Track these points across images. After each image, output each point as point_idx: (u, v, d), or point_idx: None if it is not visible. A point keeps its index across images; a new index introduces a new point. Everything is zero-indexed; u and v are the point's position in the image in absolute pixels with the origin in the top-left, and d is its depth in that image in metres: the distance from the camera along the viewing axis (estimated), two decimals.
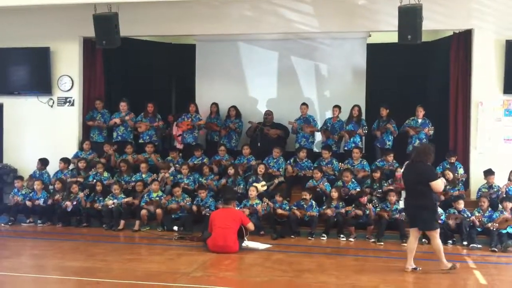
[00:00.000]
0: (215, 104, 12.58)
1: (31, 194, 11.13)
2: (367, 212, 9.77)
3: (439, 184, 7.34)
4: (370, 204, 9.76)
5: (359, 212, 9.77)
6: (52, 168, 11.74)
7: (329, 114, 12.31)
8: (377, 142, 11.49)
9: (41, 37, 11.98)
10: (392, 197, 9.84)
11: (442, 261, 7.43)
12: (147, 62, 13.35)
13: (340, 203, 10.07)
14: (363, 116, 11.83)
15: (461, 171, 10.55)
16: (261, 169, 10.88)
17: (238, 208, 9.83)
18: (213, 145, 12.30)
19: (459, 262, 7.78)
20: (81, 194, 10.72)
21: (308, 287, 6.81)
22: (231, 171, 10.96)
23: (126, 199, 10.57)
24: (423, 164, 7.38)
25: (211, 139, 12.61)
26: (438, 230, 7.47)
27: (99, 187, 10.91)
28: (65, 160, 11.66)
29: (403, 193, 7.64)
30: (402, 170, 7.72)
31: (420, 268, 7.48)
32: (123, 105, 12.01)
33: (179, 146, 12.37)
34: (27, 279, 7.19)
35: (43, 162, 11.67)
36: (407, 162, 7.70)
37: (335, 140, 11.75)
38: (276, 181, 10.80)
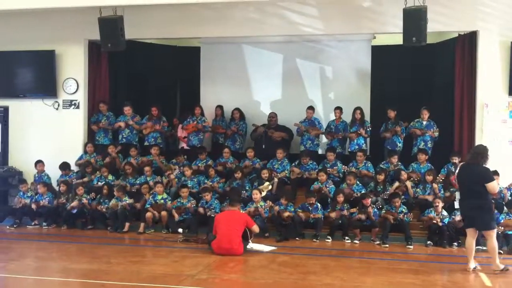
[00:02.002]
0: (219, 107, 12.60)
1: (36, 196, 11.17)
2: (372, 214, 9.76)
3: (494, 186, 7.51)
4: (370, 208, 9.74)
5: (362, 216, 9.75)
6: (57, 171, 11.74)
7: (333, 116, 12.30)
8: (387, 144, 11.46)
9: (46, 40, 12.01)
10: (397, 201, 9.84)
11: (495, 262, 7.55)
12: (152, 64, 13.38)
13: (345, 205, 10.06)
14: (368, 118, 11.82)
15: None
16: (265, 174, 10.90)
17: (243, 211, 9.83)
18: (218, 148, 12.31)
19: (464, 264, 7.76)
20: (84, 200, 10.73)
21: None
22: (238, 175, 10.96)
23: (129, 201, 10.58)
24: (479, 165, 7.51)
25: (216, 141, 12.62)
26: (495, 230, 7.67)
27: (105, 190, 10.93)
28: (63, 167, 11.62)
29: (457, 194, 7.76)
30: (456, 171, 7.83)
31: (479, 267, 7.68)
32: (127, 109, 12.02)
33: (185, 146, 12.38)
34: (32, 281, 7.22)
35: (40, 164, 11.70)
36: (462, 163, 7.90)
37: (339, 139, 11.72)
38: (276, 179, 10.82)
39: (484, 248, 9.04)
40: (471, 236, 7.66)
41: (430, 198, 10.10)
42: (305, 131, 11.75)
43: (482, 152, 7.61)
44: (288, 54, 12.98)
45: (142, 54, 13.09)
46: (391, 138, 11.35)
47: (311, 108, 11.94)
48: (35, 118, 12.31)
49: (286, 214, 9.90)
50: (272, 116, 12.27)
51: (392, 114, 11.35)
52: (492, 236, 7.52)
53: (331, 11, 11.30)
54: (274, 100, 13.06)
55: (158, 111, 12.08)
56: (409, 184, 10.38)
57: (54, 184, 11.70)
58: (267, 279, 7.19)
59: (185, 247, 9.22)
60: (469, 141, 11.00)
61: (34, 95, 12.29)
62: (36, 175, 11.74)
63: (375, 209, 9.84)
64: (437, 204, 9.61)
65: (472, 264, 7.66)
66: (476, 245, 9.06)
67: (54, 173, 11.78)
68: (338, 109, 11.79)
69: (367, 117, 11.85)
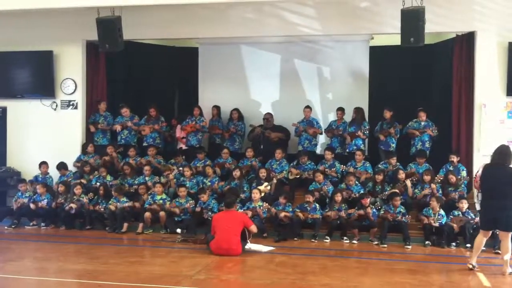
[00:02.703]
0: (216, 107, 12.60)
1: (34, 197, 11.16)
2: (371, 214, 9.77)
3: None
4: (369, 208, 9.75)
5: (361, 212, 9.75)
6: (55, 171, 11.74)
7: (331, 117, 12.34)
8: (381, 145, 11.47)
9: (44, 40, 12.01)
10: (397, 199, 9.85)
11: (505, 264, 7.55)
12: (150, 65, 13.38)
13: (343, 205, 10.06)
14: (366, 119, 11.82)
15: (463, 173, 10.54)
16: (262, 173, 10.89)
17: (241, 210, 9.83)
18: (215, 148, 12.32)
19: (462, 264, 7.78)
20: (85, 199, 10.73)
21: None
22: (237, 173, 10.97)
23: (128, 204, 10.58)
24: (506, 166, 7.48)
25: (213, 141, 12.62)
26: None
27: (102, 191, 10.92)
28: (60, 167, 11.63)
29: (479, 195, 7.74)
30: (479, 172, 7.78)
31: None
32: (124, 111, 12.02)
33: (183, 146, 12.38)
34: (30, 281, 7.22)
35: (44, 165, 11.70)
36: (486, 164, 7.79)
37: (339, 140, 11.71)
38: (275, 180, 10.82)
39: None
40: (484, 236, 7.65)
41: (427, 191, 10.14)
42: (303, 131, 11.76)
43: (508, 152, 7.56)
44: (286, 54, 12.99)
45: (140, 54, 13.07)
46: (385, 139, 11.36)
47: (308, 107, 11.94)
48: (33, 118, 12.29)
49: (283, 214, 9.89)
50: (267, 117, 12.26)
51: (387, 114, 11.35)
52: (510, 237, 7.51)
53: (329, 12, 11.31)
54: (273, 101, 13.07)
55: (156, 112, 12.08)
56: (408, 182, 10.38)
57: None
58: (265, 280, 7.19)
59: (183, 247, 9.21)
60: (467, 142, 11.02)
61: (32, 96, 12.28)
62: (40, 176, 11.72)
63: (374, 210, 9.84)
64: (432, 202, 9.62)
65: (473, 262, 7.65)
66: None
67: (52, 173, 11.78)
68: (340, 109, 11.78)
69: (366, 118, 11.84)
